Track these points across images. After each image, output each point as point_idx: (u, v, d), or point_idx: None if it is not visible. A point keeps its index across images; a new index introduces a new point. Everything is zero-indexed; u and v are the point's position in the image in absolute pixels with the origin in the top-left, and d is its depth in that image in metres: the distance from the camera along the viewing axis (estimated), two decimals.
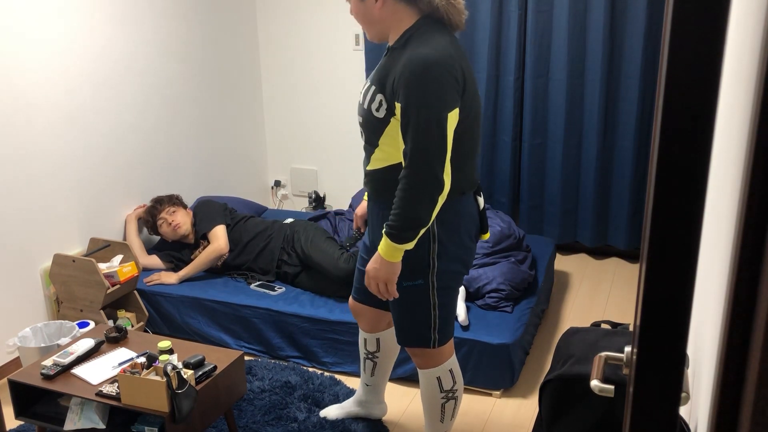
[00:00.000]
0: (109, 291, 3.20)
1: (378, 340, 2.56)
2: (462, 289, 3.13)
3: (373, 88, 2.06)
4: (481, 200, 2.23)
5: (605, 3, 3.78)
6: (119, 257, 3.39)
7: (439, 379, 2.30)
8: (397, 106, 1.96)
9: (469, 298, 3.20)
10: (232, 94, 4.47)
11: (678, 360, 0.83)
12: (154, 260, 3.63)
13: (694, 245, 0.78)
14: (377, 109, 2.03)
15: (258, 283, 3.44)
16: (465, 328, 2.97)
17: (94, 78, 3.44)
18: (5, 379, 2.98)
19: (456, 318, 3.00)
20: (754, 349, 0.73)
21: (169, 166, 4.01)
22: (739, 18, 1.12)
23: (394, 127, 2.02)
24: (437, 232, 2.08)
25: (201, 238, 3.60)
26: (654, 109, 0.87)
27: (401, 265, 2.06)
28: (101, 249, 3.40)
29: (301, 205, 4.88)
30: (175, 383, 2.17)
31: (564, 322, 3.56)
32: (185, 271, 3.47)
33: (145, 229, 3.79)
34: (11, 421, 2.74)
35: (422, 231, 1.98)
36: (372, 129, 2.08)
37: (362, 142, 2.18)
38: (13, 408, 2.44)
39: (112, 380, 2.37)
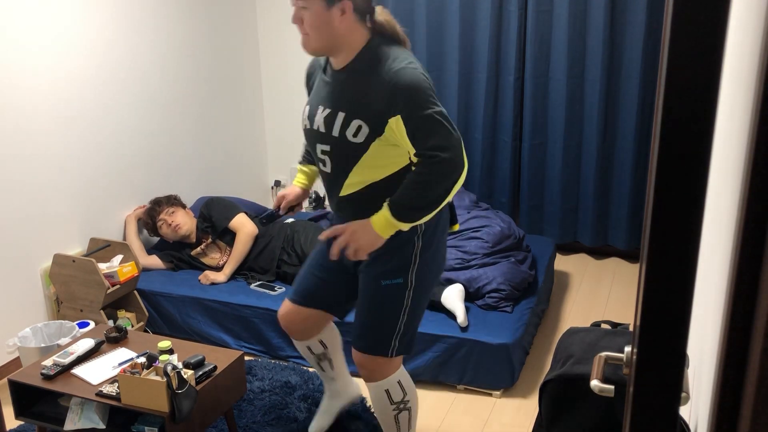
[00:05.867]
0: (109, 291, 3.20)
1: (322, 341, 2.51)
2: (461, 289, 3.13)
3: (343, 114, 2.02)
4: None
5: (605, 3, 3.77)
6: (119, 257, 3.39)
7: (387, 391, 2.26)
8: (394, 120, 1.95)
9: (469, 298, 3.20)
10: (232, 95, 4.47)
11: (678, 360, 0.83)
12: (154, 260, 3.63)
13: (694, 245, 0.78)
14: (355, 135, 2.01)
15: (258, 283, 3.44)
16: (464, 329, 2.97)
17: (95, 79, 3.44)
18: (5, 379, 2.98)
19: (455, 318, 3.01)
20: (754, 349, 0.73)
21: (170, 167, 4.01)
22: (739, 18, 1.12)
23: (376, 149, 2.01)
24: (423, 228, 2.11)
25: (222, 232, 3.61)
26: (654, 109, 0.87)
27: (384, 266, 2.11)
28: (101, 249, 3.40)
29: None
30: (175, 383, 2.17)
31: (564, 322, 3.56)
32: (229, 267, 3.51)
33: (144, 230, 3.79)
34: (11, 421, 2.74)
35: (427, 216, 2.00)
36: (347, 155, 2.06)
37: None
38: (13, 408, 2.43)
39: (112, 380, 2.37)
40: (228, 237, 3.62)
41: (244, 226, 3.57)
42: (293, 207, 2.45)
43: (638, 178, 4.03)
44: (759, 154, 0.71)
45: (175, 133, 4.03)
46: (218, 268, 3.58)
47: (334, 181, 2.14)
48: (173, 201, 3.72)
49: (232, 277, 3.52)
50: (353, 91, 2.02)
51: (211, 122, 4.31)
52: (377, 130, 1.98)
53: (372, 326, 2.20)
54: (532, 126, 4.13)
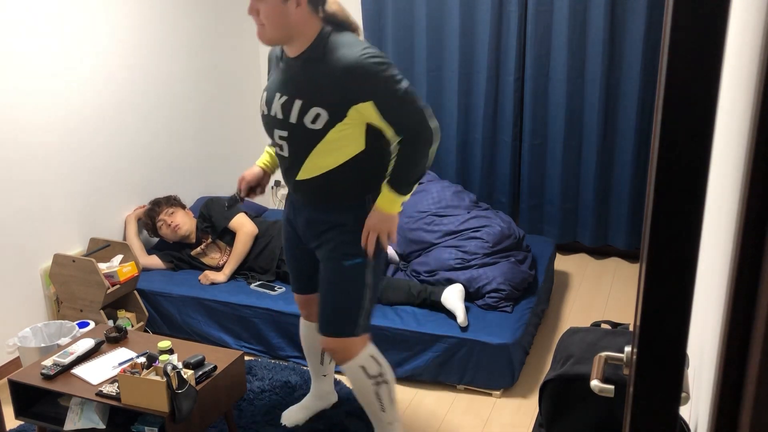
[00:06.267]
0: (109, 291, 3.20)
1: None
2: (461, 289, 3.13)
3: (300, 102, 2.10)
4: None
5: (605, 3, 3.77)
6: (119, 257, 3.39)
7: (363, 368, 2.33)
8: (363, 106, 2.04)
9: (469, 298, 3.20)
10: (232, 94, 4.47)
11: (678, 360, 0.83)
12: (154, 260, 3.64)
13: (694, 245, 0.78)
14: (313, 121, 2.09)
15: (258, 283, 3.44)
16: (464, 329, 2.97)
17: (95, 79, 3.44)
18: (5, 379, 2.98)
19: (455, 318, 3.01)
20: (754, 349, 0.73)
21: (169, 167, 4.01)
22: (739, 18, 1.12)
23: (333, 135, 2.09)
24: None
25: (222, 232, 3.62)
26: (654, 109, 0.87)
27: (344, 249, 2.22)
28: (101, 249, 3.40)
29: None
30: (175, 383, 2.17)
31: (564, 322, 3.56)
32: (229, 267, 3.51)
33: (144, 230, 3.79)
34: (11, 421, 2.74)
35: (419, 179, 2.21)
36: (303, 142, 2.15)
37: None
38: (13, 408, 2.44)
39: (112, 380, 2.37)
40: (228, 237, 3.62)
41: (243, 226, 3.57)
42: (254, 188, 2.50)
43: (638, 178, 4.03)
44: (759, 154, 0.71)
45: (174, 133, 4.03)
46: (218, 268, 3.58)
47: (291, 166, 2.24)
48: (173, 201, 3.72)
49: (232, 277, 3.52)
50: (309, 79, 2.10)
51: (211, 122, 4.31)
52: (337, 116, 2.07)
53: (340, 309, 2.28)
54: (532, 126, 4.13)
